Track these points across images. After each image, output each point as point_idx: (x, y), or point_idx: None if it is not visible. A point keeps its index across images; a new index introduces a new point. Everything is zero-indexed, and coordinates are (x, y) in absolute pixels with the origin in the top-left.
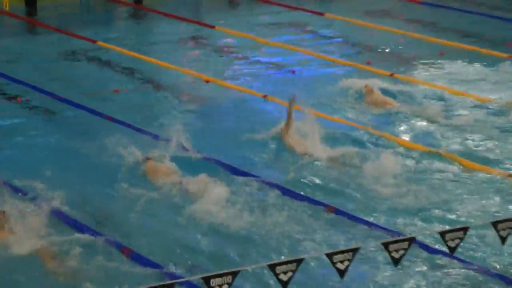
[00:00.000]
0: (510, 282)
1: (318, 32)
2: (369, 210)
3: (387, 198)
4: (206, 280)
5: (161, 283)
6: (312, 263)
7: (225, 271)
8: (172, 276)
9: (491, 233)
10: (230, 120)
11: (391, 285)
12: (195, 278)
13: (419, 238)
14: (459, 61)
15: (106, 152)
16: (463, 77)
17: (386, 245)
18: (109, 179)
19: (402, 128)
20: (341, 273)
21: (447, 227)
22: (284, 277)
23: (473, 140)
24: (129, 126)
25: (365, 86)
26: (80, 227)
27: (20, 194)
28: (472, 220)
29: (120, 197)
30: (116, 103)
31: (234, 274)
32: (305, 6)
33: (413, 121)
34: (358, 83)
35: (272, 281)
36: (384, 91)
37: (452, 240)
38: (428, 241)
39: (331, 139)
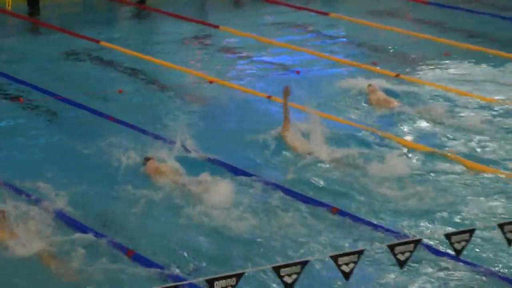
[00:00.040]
0: None
1: (323, 32)
2: (374, 211)
3: (392, 199)
4: (210, 282)
5: (165, 285)
6: (317, 266)
7: (229, 273)
8: (176, 278)
9: (497, 235)
10: (234, 121)
11: None
12: (199, 280)
13: (425, 240)
14: (466, 62)
15: (108, 153)
16: (470, 78)
17: (391, 247)
18: (111, 180)
19: (407, 129)
20: (346, 275)
21: (453, 229)
22: (288, 280)
23: (478, 141)
24: (132, 126)
25: (368, 86)
26: (82, 228)
27: (21, 195)
28: (478, 222)
29: (122, 198)
30: (119, 103)
31: (238, 276)
32: (310, 6)
33: (418, 122)
34: (363, 83)
35: (276, 283)
36: (390, 92)
37: (458, 242)
38: (433, 243)
39: (335, 140)
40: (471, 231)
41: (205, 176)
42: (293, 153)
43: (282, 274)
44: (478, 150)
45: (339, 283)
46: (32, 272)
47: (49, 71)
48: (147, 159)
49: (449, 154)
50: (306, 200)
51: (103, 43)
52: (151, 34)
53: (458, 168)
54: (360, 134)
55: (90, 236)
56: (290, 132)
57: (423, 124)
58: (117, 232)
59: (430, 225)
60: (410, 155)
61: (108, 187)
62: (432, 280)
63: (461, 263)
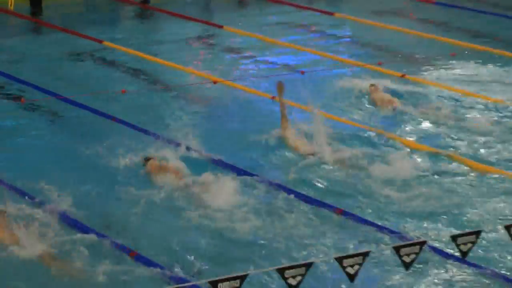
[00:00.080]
0: None
1: (328, 32)
2: (379, 213)
3: (397, 200)
4: (214, 284)
5: (168, 287)
6: (321, 267)
7: (233, 275)
8: (179, 280)
9: (504, 237)
10: (237, 121)
11: None
12: (202, 282)
13: (430, 242)
14: (471, 62)
15: (111, 154)
16: (475, 78)
17: (397, 249)
18: (113, 180)
19: (412, 129)
20: (351, 277)
21: (459, 231)
22: (293, 282)
23: (484, 142)
24: (135, 127)
25: (370, 86)
26: (84, 229)
27: (22, 195)
28: (484, 224)
29: (125, 199)
30: (122, 103)
31: (242, 278)
32: (314, 6)
33: (423, 123)
34: (368, 84)
35: (280, 285)
36: (395, 92)
37: (464, 244)
38: (439, 245)
39: (339, 140)
40: (477, 233)
41: (208, 177)
42: (296, 154)
43: (286, 276)
44: (484, 150)
45: (344, 285)
46: (34, 273)
47: (52, 71)
48: (147, 159)
49: (454, 154)
50: (310, 201)
51: (106, 43)
52: (154, 34)
53: (464, 169)
54: (365, 134)
55: (92, 237)
56: (290, 131)
57: (428, 124)
58: (119, 233)
59: (435, 227)
60: (414, 156)
61: (111, 187)
62: (438, 282)
63: (467, 265)
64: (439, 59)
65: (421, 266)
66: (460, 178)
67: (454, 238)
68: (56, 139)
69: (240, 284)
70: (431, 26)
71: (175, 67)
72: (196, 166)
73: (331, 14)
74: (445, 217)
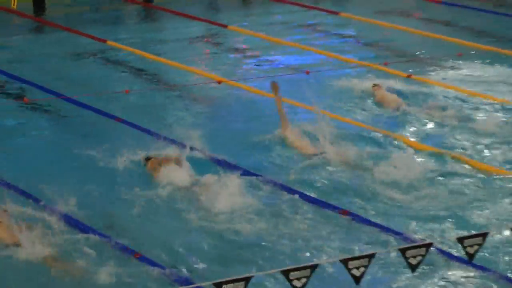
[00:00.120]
0: None
1: (333, 31)
2: (384, 214)
3: (402, 202)
4: (218, 286)
5: None
6: (326, 269)
7: (237, 276)
8: (183, 281)
9: (511, 239)
10: (241, 121)
11: None
12: (207, 284)
13: (437, 243)
14: (478, 62)
15: (114, 154)
16: (482, 78)
17: (403, 251)
18: (116, 181)
19: (417, 130)
20: (357, 279)
21: (466, 233)
22: (298, 284)
23: (491, 143)
24: (138, 127)
25: (373, 86)
26: (87, 230)
27: (24, 196)
28: (491, 225)
29: (128, 200)
30: (125, 103)
31: (247, 280)
32: (319, 5)
33: (429, 123)
34: (371, 83)
35: (285, 287)
36: (400, 93)
37: (471, 246)
38: (445, 247)
39: (343, 141)
40: (484, 235)
41: (211, 177)
42: (300, 154)
43: (291, 278)
44: (491, 151)
45: (349, 287)
46: (36, 274)
47: (54, 71)
48: (148, 159)
49: (460, 155)
50: (315, 201)
51: (110, 43)
52: (158, 34)
53: (470, 170)
54: (369, 135)
55: (95, 238)
56: (290, 130)
57: (434, 125)
58: (122, 234)
59: (441, 228)
60: (420, 156)
61: (113, 188)
62: (444, 284)
63: (473, 268)
64: (445, 59)
65: (427, 268)
66: (466, 179)
67: (460, 240)
68: (58, 139)
69: (245, 286)
70: (437, 26)
71: (179, 67)
72: (200, 166)
73: (336, 13)
74: (451, 218)
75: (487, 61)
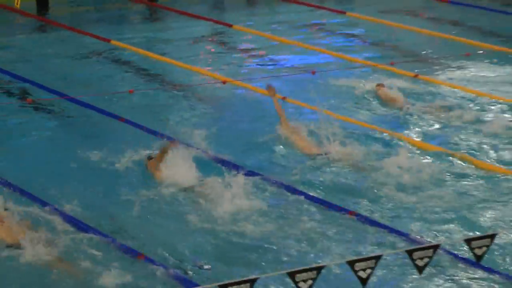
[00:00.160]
0: None
1: (339, 31)
2: (390, 215)
3: (409, 202)
4: None
5: None
6: (333, 271)
7: (243, 278)
8: (187, 283)
9: None
10: (246, 121)
11: None
12: (212, 286)
13: (444, 245)
14: (486, 62)
15: (118, 154)
16: (490, 78)
17: (410, 253)
18: (120, 181)
19: (424, 130)
20: (363, 281)
21: (473, 234)
22: (304, 286)
23: (499, 143)
24: (142, 127)
25: (376, 85)
26: (90, 231)
27: (27, 196)
28: (498, 227)
29: (131, 200)
30: (129, 103)
31: (252, 282)
32: (326, 5)
33: (436, 124)
34: (374, 83)
35: None
36: (407, 93)
37: (479, 247)
38: (453, 248)
39: (349, 141)
40: (491, 236)
41: (216, 177)
42: (305, 154)
43: (297, 280)
44: (498, 152)
45: None
46: (37, 274)
47: (58, 71)
48: (149, 158)
49: (467, 156)
50: (321, 202)
51: (114, 42)
52: (163, 33)
53: (477, 170)
54: (375, 135)
55: (99, 239)
56: (289, 129)
57: (441, 125)
58: (126, 235)
59: (449, 230)
60: (426, 157)
61: (117, 188)
62: (452, 286)
63: (481, 269)
64: (452, 59)
65: (434, 270)
66: (473, 180)
67: (468, 241)
68: (62, 139)
69: None
70: (445, 25)
71: (183, 67)
72: (204, 166)
73: (343, 13)
74: (458, 219)
75: (495, 61)
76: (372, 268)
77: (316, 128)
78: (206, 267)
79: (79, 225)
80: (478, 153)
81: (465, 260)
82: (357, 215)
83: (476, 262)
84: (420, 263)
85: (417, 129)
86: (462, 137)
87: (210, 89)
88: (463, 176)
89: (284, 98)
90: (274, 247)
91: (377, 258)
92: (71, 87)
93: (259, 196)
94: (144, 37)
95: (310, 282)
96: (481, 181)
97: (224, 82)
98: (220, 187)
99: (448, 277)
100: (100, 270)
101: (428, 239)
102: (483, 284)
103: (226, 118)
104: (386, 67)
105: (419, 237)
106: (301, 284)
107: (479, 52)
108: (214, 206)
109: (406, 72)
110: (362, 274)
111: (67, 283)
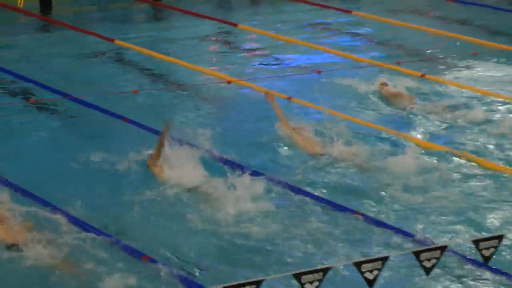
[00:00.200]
0: None
1: (346, 30)
2: (397, 216)
3: (416, 203)
4: None
5: None
6: (339, 272)
7: (248, 280)
8: (192, 285)
9: None
10: (251, 121)
11: None
12: (218, 287)
13: (451, 246)
14: (494, 62)
15: (121, 154)
16: (497, 78)
17: (417, 254)
18: (123, 182)
19: (431, 130)
20: (370, 283)
21: (481, 235)
22: (310, 287)
23: (507, 143)
24: (146, 128)
25: (380, 84)
26: (94, 231)
27: (30, 197)
28: (506, 228)
29: (135, 201)
30: (133, 104)
31: (258, 283)
32: (331, 4)
33: (442, 124)
34: (380, 82)
35: None
36: (413, 92)
37: (487, 249)
38: (460, 249)
39: (354, 141)
40: (499, 237)
41: (220, 177)
42: (310, 155)
43: (303, 281)
44: (506, 152)
45: None
46: (42, 276)
47: (61, 71)
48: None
49: (474, 156)
50: (327, 203)
51: (118, 42)
52: (167, 33)
53: (484, 170)
54: (381, 135)
55: (102, 240)
56: (290, 130)
57: (448, 125)
58: (130, 235)
59: (456, 231)
60: (433, 157)
61: (121, 189)
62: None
63: (489, 271)
64: (459, 58)
65: (441, 271)
66: (480, 180)
67: (476, 242)
68: (65, 140)
69: None
70: (452, 24)
71: (188, 66)
72: (209, 166)
73: (348, 12)
74: (465, 220)
75: (503, 60)
76: (379, 270)
77: (321, 128)
78: None
79: (83, 226)
80: (485, 153)
81: (472, 262)
82: (363, 215)
83: (484, 263)
84: (427, 264)
85: (423, 129)
86: (469, 137)
87: (215, 89)
88: (470, 176)
89: (289, 98)
90: (280, 248)
91: (384, 259)
92: (74, 87)
93: (264, 196)
94: (148, 36)
95: (316, 283)
96: (488, 182)
97: (229, 82)
98: (224, 188)
99: (455, 279)
100: (103, 271)
101: (435, 240)
102: (491, 286)
103: (231, 118)
104: (393, 67)
105: (426, 238)
106: (307, 286)
107: (486, 51)
108: (218, 206)
109: (413, 72)
110: (369, 276)
111: (70, 285)
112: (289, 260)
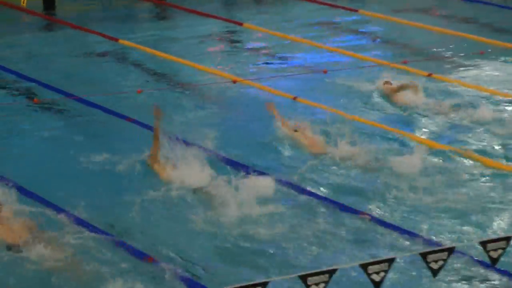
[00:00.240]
0: None
1: (352, 29)
2: (403, 216)
3: (422, 204)
4: None
5: None
6: (345, 274)
7: (254, 282)
8: (196, 286)
9: None
10: (256, 121)
11: None
12: None
13: (458, 247)
14: (500, 60)
15: (124, 154)
16: (504, 77)
17: (424, 256)
18: (126, 182)
19: (437, 130)
20: (377, 284)
21: (488, 236)
22: None
23: None
24: (150, 128)
25: (384, 83)
26: (96, 232)
27: (31, 196)
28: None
29: (138, 202)
30: (137, 103)
31: (264, 285)
32: (338, 3)
33: (449, 123)
34: (384, 80)
35: None
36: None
37: (494, 250)
38: (468, 251)
39: (359, 140)
40: (508, 239)
41: (223, 178)
42: (315, 155)
43: (309, 283)
44: None
45: None
46: (45, 277)
47: (64, 70)
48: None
49: (481, 156)
50: (332, 203)
51: (121, 41)
52: (171, 32)
53: (491, 171)
54: (387, 135)
55: (106, 241)
56: (288, 126)
57: (454, 125)
58: (133, 236)
59: (463, 232)
60: (439, 157)
61: (124, 189)
62: None
63: (497, 273)
64: (465, 57)
65: (448, 273)
66: (487, 180)
67: (483, 244)
68: (68, 139)
69: None
70: (458, 23)
71: (192, 66)
72: (213, 166)
73: (355, 11)
74: (472, 221)
75: (509, 59)
76: (386, 271)
77: (328, 128)
78: None
79: (86, 226)
80: (493, 153)
81: (480, 263)
82: (370, 216)
83: (492, 265)
84: (434, 266)
85: (429, 128)
86: (476, 136)
87: (219, 89)
88: (477, 177)
89: (295, 98)
90: (285, 250)
91: (391, 261)
92: (77, 86)
93: (269, 197)
94: (152, 35)
95: (322, 285)
96: (496, 182)
97: (234, 82)
98: (228, 188)
99: (463, 280)
100: (105, 271)
101: (442, 241)
102: (498, 287)
103: (235, 118)
104: (399, 66)
105: (433, 239)
106: (313, 287)
107: (493, 50)
108: (222, 207)
109: (419, 71)
110: (376, 277)
111: (72, 285)
112: (295, 261)
